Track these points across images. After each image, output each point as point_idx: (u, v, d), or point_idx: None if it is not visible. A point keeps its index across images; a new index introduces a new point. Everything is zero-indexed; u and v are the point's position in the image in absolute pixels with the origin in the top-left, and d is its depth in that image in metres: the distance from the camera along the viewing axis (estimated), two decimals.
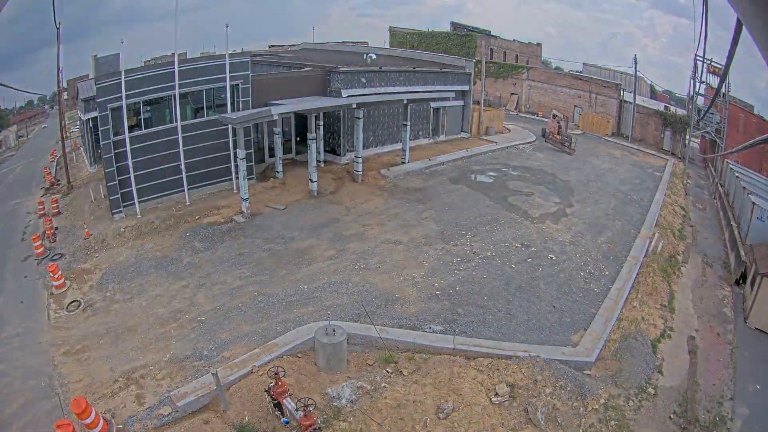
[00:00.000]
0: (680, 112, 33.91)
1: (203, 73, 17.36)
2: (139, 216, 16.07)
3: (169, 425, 7.89)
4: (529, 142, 29.65)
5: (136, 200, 16.12)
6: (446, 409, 8.43)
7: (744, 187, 18.88)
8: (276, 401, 8.09)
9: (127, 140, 15.61)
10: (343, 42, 45.05)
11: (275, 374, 8.08)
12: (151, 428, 7.84)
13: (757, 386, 10.16)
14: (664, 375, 10.06)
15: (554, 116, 30.93)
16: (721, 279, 14.99)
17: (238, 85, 18.02)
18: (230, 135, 17.63)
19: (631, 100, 34.44)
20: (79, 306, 11.69)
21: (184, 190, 17.01)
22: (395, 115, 23.76)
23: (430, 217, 16.77)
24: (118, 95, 15.19)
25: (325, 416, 8.17)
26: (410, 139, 22.67)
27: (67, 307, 11.67)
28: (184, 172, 16.82)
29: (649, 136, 34.32)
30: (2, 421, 8.24)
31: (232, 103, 17.97)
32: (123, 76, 15.19)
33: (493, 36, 51.88)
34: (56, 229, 16.51)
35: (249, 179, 17.82)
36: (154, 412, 8.11)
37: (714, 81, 28.47)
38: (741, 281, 14.44)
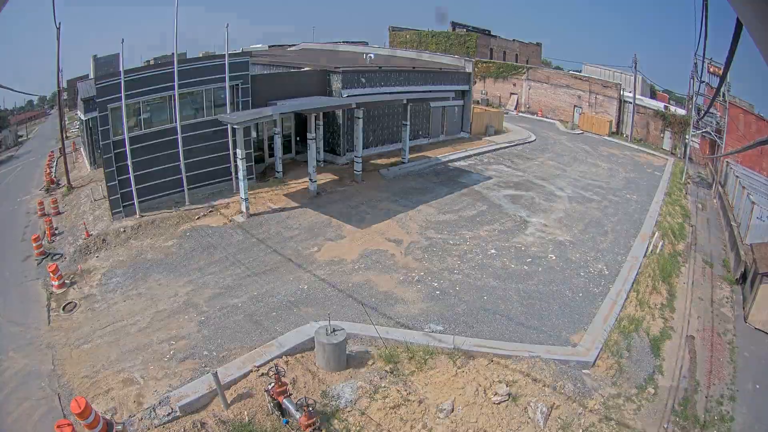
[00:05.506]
0: (680, 111, 33.92)
1: (203, 73, 17.33)
2: (139, 216, 16.06)
3: (169, 425, 7.89)
4: (528, 142, 29.77)
5: (135, 200, 16.11)
6: (446, 409, 8.43)
7: (744, 187, 18.88)
8: (276, 401, 8.09)
9: (127, 140, 15.59)
10: (343, 42, 45.01)
11: (275, 374, 8.08)
12: (151, 428, 7.83)
13: (757, 386, 10.16)
14: (664, 375, 10.05)
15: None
16: (721, 279, 14.98)
17: (237, 85, 18.01)
18: (230, 135, 17.63)
19: (631, 100, 34.44)
20: (75, 306, 11.67)
21: (183, 190, 16.99)
22: (395, 114, 23.75)
23: (430, 217, 16.76)
24: (118, 95, 15.18)
25: (324, 416, 8.16)
26: (410, 139, 22.67)
27: (64, 308, 11.66)
28: (183, 172, 16.80)
29: (649, 136, 34.33)
30: (2, 422, 8.23)
31: (232, 103, 17.95)
32: (123, 76, 15.18)
33: (493, 36, 51.93)
34: (56, 229, 16.51)
35: (249, 179, 17.81)
36: (154, 412, 8.11)
37: (714, 81, 28.50)
38: (741, 281, 14.44)
